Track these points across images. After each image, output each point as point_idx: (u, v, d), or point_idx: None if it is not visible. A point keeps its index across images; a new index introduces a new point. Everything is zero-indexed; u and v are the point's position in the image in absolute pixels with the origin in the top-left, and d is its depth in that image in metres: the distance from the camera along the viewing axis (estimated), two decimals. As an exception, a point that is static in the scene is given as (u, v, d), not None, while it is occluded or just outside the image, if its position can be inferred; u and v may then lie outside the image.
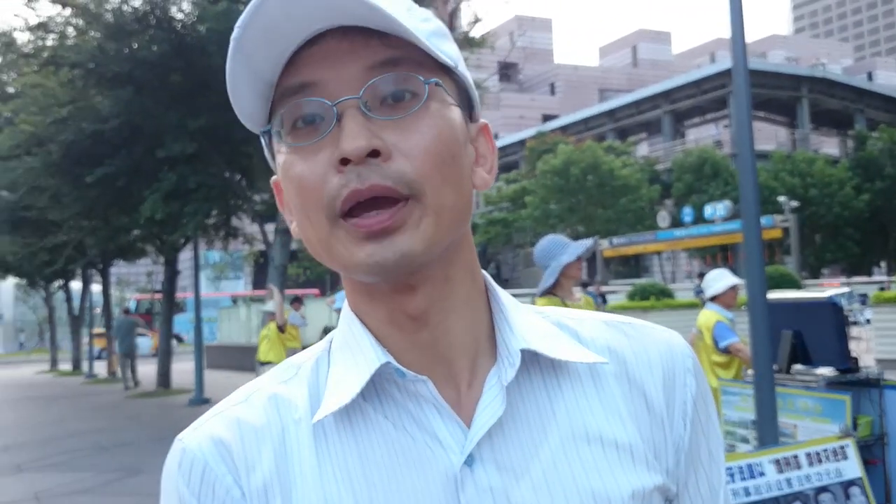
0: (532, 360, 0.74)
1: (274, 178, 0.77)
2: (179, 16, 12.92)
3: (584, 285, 15.67)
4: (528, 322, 0.76)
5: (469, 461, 0.69)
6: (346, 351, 0.74)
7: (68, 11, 12.92)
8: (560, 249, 4.44)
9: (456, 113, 0.72)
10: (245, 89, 0.69)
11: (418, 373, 0.71)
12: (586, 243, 4.49)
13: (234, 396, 0.77)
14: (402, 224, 0.67)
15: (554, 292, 4.46)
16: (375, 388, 0.72)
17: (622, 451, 0.73)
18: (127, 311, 23.15)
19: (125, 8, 12.65)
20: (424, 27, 0.71)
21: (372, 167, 0.66)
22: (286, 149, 0.70)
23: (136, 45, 12.58)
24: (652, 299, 17.73)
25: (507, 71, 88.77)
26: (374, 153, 0.66)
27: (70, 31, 13.33)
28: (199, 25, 12.16)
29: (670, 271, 45.12)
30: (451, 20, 19.34)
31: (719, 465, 0.79)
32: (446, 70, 0.72)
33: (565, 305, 4.30)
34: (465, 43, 18.15)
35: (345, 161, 0.66)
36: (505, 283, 48.51)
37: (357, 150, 0.65)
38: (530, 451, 0.71)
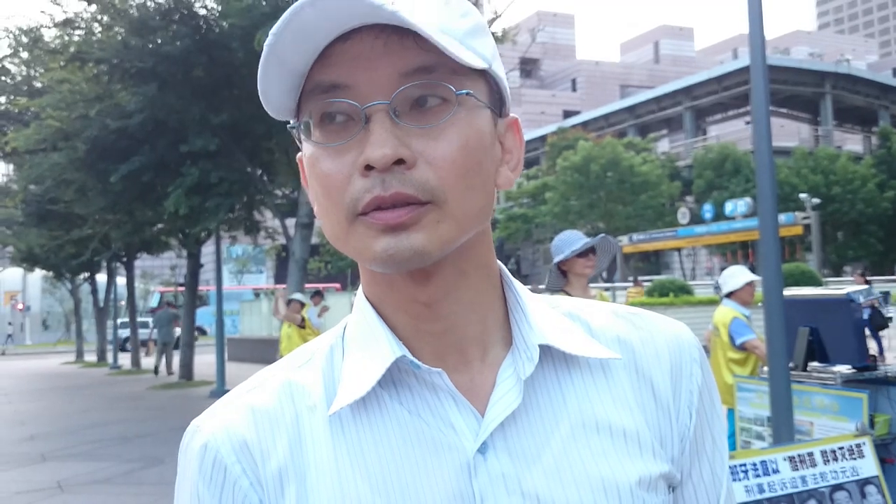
0: (546, 353, 0.75)
1: (300, 154, 0.77)
2: (202, 11, 12.96)
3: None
4: (543, 315, 0.78)
5: (482, 449, 0.71)
6: (361, 341, 0.76)
7: (94, 7, 13.02)
8: (564, 247, 4.42)
9: (485, 117, 0.73)
10: (275, 81, 0.69)
11: (431, 360, 0.74)
12: (584, 240, 4.44)
13: (249, 383, 0.79)
14: (419, 222, 0.68)
15: (565, 290, 4.43)
16: (392, 377, 0.73)
17: (630, 439, 0.75)
18: (169, 304, 24.01)
19: (149, 3, 12.73)
20: (461, 25, 0.71)
21: (396, 174, 0.67)
22: (313, 143, 0.71)
23: (159, 41, 12.63)
24: (671, 296, 17.66)
25: (528, 67, 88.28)
26: (399, 161, 0.67)
27: (95, 27, 13.43)
28: (221, 21, 12.21)
29: (690, 268, 44.81)
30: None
31: (723, 454, 0.81)
32: (480, 70, 0.72)
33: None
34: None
35: (370, 167, 0.67)
36: (525, 279, 48.37)
37: (383, 159, 0.66)
38: (542, 440, 0.73)
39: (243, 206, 15.68)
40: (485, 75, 0.73)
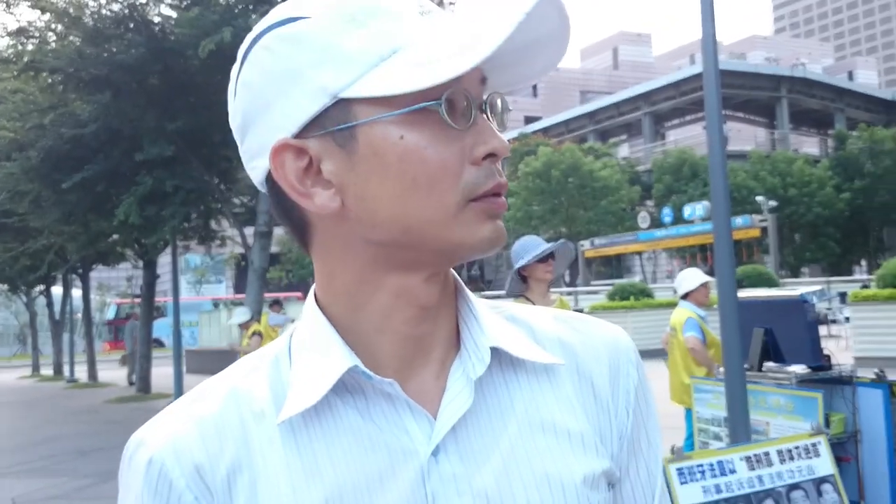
0: (495, 356, 0.77)
1: (281, 140, 0.73)
2: (157, 19, 12.90)
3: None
4: (492, 319, 0.80)
5: (435, 451, 0.72)
6: (312, 348, 0.75)
7: (48, 16, 12.86)
8: (524, 252, 4.44)
9: None
10: (351, 57, 0.71)
11: (396, 363, 0.75)
12: (544, 245, 4.47)
13: (193, 392, 0.78)
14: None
15: (525, 295, 4.46)
16: (345, 383, 0.74)
17: (574, 438, 0.77)
18: (130, 315, 24.17)
19: (104, 12, 12.62)
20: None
21: (499, 165, 0.73)
22: (415, 127, 0.70)
23: (114, 49, 12.54)
24: (632, 299, 17.83)
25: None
26: None
27: (50, 35, 13.27)
28: (176, 28, 12.15)
29: (651, 271, 45.34)
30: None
31: (657, 452, 0.84)
32: None
33: (536, 309, 4.31)
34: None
35: (488, 156, 0.72)
36: (489, 285, 48.56)
37: (507, 150, 0.72)
38: (491, 441, 0.74)
39: (200, 215, 15.55)
40: None
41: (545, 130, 53.15)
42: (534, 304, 4.30)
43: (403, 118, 0.69)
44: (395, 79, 0.68)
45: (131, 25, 12.57)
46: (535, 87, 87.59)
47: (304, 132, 0.72)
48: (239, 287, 40.09)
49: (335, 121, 0.71)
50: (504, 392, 0.77)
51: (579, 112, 58.61)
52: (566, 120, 57.95)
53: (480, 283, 50.64)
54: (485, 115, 0.73)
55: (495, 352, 0.76)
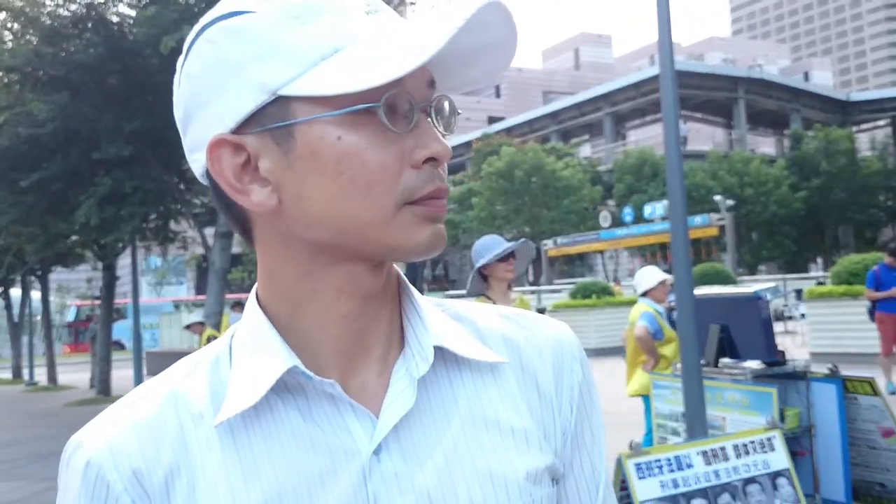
0: (439, 354, 0.76)
1: (218, 135, 0.72)
2: (115, 18, 12.72)
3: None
4: (436, 318, 0.79)
5: (377, 450, 0.72)
6: (252, 349, 0.75)
7: (4, 15, 12.64)
8: (485, 252, 4.46)
9: None
10: (294, 54, 0.71)
11: (336, 360, 0.75)
12: (505, 245, 4.50)
13: (132, 395, 0.77)
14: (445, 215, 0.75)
15: (486, 294, 4.48)
16: (286, 384, 0.73)
17: (517, 435, 0.77)
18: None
19: (62, 11, 12.42)
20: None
21: (441, 170, 0.73)
22: (355, 128, 0.70)
23: (72, 49, 12.35)
24: (594, 297, 17.97)
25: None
26: None
27: (6, 35, 13.04)
28: (135, 27, 12.02)
29: (613, 269, 45.73)
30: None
31: (601, 447, 0.84)
32: None
33: (496, 307, 4.33)
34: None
35: (428, 160, 0.72)
36: (452, 284, 48.60)
37: (448, 154, 0.73)
38: (434, 439, 0.74)
39: (159, 216, 15.37)
40: None
41: (508, 130, 53.25)
42: (495, 302, 4.33)
43: (343, 119, 0.69)
44: (334, 78, 0.68)
45: (89, 25, 12.40)
46: (498, 88, 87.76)
47: (242, 128, 0.71)
48: (200, 288, 39.57)
49: (273, 118, 0.70)
50: (448, 390, 0.77)
51: (542, 112, 58.80)
52: (529, 120, 58.10)
53: (444, 282, 50.70)
54: (430, 119, 0.73)
55: (439, 350, 0.76)
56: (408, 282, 0.82)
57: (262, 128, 0.71)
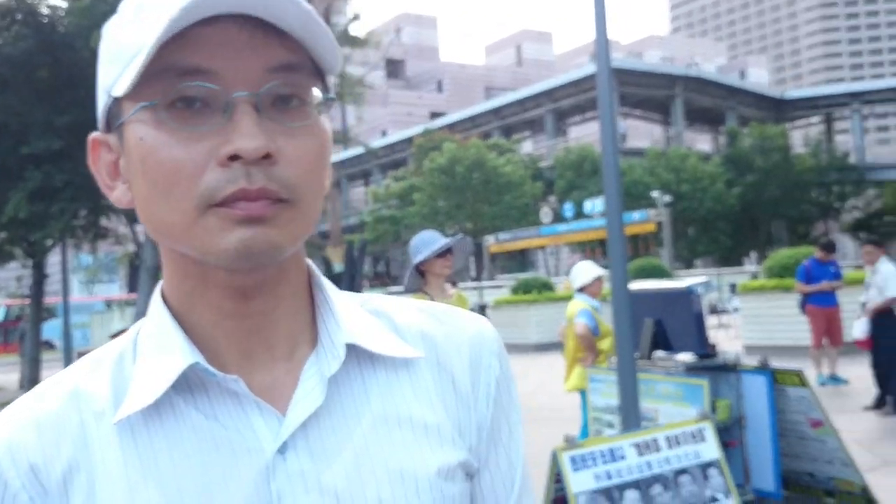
0: (352, 351, 0.76)
1: (94, 134, 0.75)
2: (46, 10, 12.42)
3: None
4: (351, 314, 0.78)
5: (282, 449, 0.70)
6: (155, 345, 0.74)
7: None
8: (423, 247, 4.45)
9: (327, 122, 0.74)
10: (120, 54, 0.69)
11: (237, 360, 0.73)
12: (442, 240, 4.49)
13: (33, 392, 0.76)
14: (276, 217, 0.68)
15: (423, 290, 4.47)
16: (188, 382, 0.72)
17: (430, 431, 0.76)
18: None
19: (-10, 4, 12.09)
20: (323, 26, 0.70)
21: (260, 168, 0.67)
22: (155, 126, 0.68)
23: (0, 42, 12.01)
24: (534, 292, 18.12)
25: (393, 67, 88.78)
26: (266, 155, 0.67)
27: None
28: (66, 20, 11.73)
29: (554, 265, 46.25)
30: (326, 16, 19.24)
31: (518, 442, 0.84)
32: (323, 75, 0.73)
33: (435, 303, 4.32)
34: (346, 40, 18.01)
35: (234, 158, 0.66)
36: (394, 281, 48.55)
37: (255, 151, 0.66)
38: (343, 437, 0.73)
39: (91, 212, 15.03)
40: (324, 81, 0.74)
41: (450, 126, 53.46)
42: (433, 299, 4.32)
43: (148, 117, 0.68)
44: (126, 76, 0.67)
45: (18, 17, 12.12)
46: (440, 83, 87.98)
47: (108, 127, 0.73)
48: (133, 286, 38.78)
49: (116, 118, 0.71)
50: (360, 388, 0.76)
51: (484, 108, 59.18)
52: (471, 116, 58.42)
53: (386, 278, 50.63)
54: (257, 110, 0.67)
55: (353, 347, 0.75)
56: (321, 277, 0.81)
57: (113, 128, 0.73)
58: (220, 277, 0.72)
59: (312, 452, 0.71)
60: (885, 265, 8.15)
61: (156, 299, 0.77)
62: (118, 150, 0.73)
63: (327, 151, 0.73)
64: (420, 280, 4.54)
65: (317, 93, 0.72)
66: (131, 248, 17.73)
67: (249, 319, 0.74)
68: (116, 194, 0.74)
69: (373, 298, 0.85)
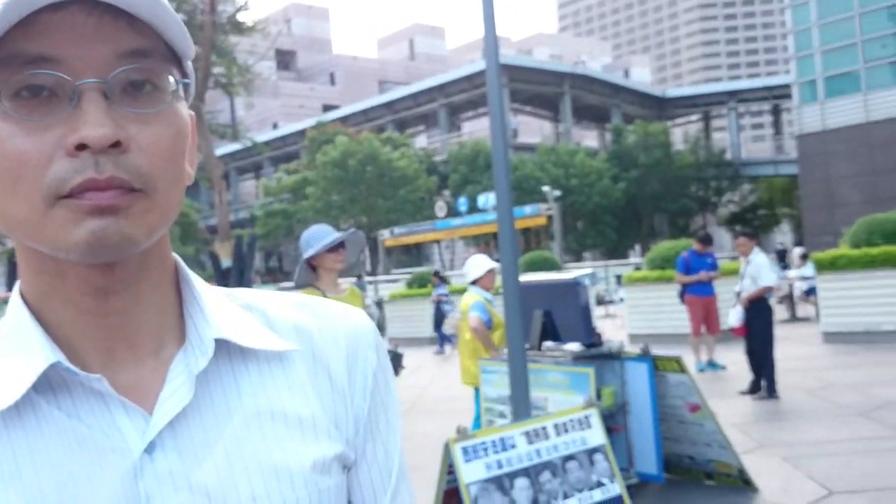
0: (222, 347, 0.74)
1: None
2: None
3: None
4: (221, 309, 0.77)
5: (150, 449, 0.69)
6: (12, 345, 0.71)
7: None
8: (314, 241, 4.41)
9: (185, 109, 0.72)
10: None
11: (99, 358, 0.71)
12: (334, 235, 4.47)
13: None
14: (129, 208, 0.66)
15: (314, 285, 4.43)
16: (49, 381, 0.69)
17: (305, 425, 0.76)
18: None
19: None
20: (172, 12, 0.68)
21: (110, 157, 0.64)
22: (0, 118, 0.65)
23: None
24: (429, 286, 18.21)
25: (284, 59, 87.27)
26: (116, 144, 0.64)
27: None
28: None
29: (449, 259, 46.61)
30: (212, 4, 18.70)
31: (396, 434, 0.84)
32: (180, 61, 0.71)
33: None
34: (233, 28, 17.59)
35: (81, 147, 0.63)
36: (287, 276, 47.79)
37: (102, 139, 0.63)
38: (214, 435, 0.72)
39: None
40: (181, 66, 0.72)
41: (344, 119, 52.99)
42: (324, 294, 4.28)
43: None
44: None
45: None
46: (332, 75, 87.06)
47: None
48: (11, 283, 36.79)
49: None
50: (231, 384, 0.75)
51: (378, 102, 58.94)
52: (365, 109, 58.09)
53: (279, 273, 49.79)
54: (106, 97, 0.65)
55: (223, 343, 0.74)
56: (188, 272, 0.79)
57: None
58: (76, 273, 0.69)
59: (181, 451, 0.70)
60: (757, 256, 8.60)
61: (14, 297, 0.74)
62: None
63: (183, 139, 0.71)
64: (311, 275, 4.49)
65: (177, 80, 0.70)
66: (10, 244, 16.83)
67: (110, 317, 0.72)
68: None
69: (242, 293, 0.84)
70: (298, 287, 4.45)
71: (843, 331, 11.53)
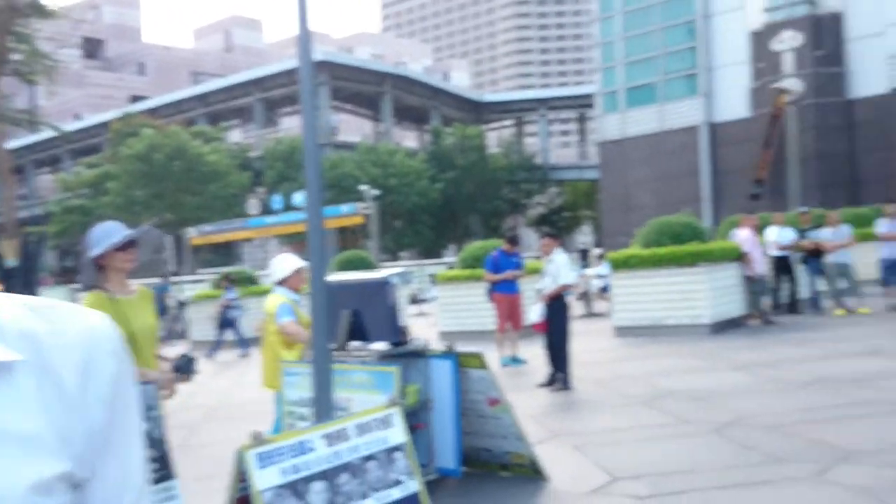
0: None
1: None
2: None
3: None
4: None
5: None
6: None
7: None
8: (102, 239, 4.16)
9: None
10: None
11: None
12: (124, 232, 4.23)
13: None
14: None
15: (101, 286, 4.16)
16: None
17: (25, 442, 0.71)
18: None
19: None
20: None
21: None
22: None
23: None
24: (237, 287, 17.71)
25: (92, 47, 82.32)
26: None
27: None
28: None
29: (262, 258, 45.56)
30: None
31: (136, 449, 0.80)
32: None
33: (113, 300, 4.05)
34: (35, 12, 16.39)
35: None
36: (77, 276, 44.89)
37: None
38: None
39: None
40: None
41: (153, 111, 50.58)
42: (112, 295, 4.07)
43: None
44: None
45: None
46: (142, 65, 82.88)
47: None
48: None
49: None
50: None
51: (190, 94, 56.66)
52: (176, 101, 55.65)
53: (74, 274, 46.64)
54: None
55: None
56: None
57: None
58: None
59: None
60: (558, 255, 9.02)
61: None
62: None
63: None
64: (99, 275, 4.23)
65: None
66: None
67: None
68: None
69: None
70: (85, 288, 4.19)
71: (632, 325, 12.31)
